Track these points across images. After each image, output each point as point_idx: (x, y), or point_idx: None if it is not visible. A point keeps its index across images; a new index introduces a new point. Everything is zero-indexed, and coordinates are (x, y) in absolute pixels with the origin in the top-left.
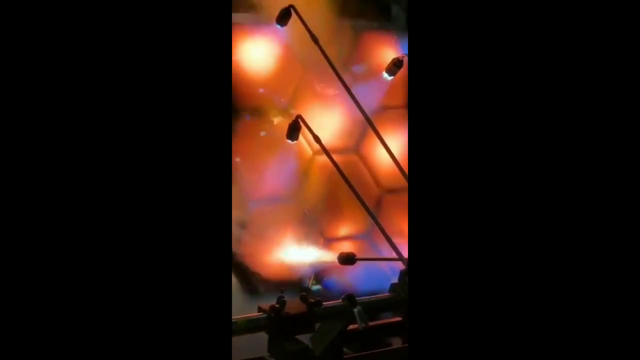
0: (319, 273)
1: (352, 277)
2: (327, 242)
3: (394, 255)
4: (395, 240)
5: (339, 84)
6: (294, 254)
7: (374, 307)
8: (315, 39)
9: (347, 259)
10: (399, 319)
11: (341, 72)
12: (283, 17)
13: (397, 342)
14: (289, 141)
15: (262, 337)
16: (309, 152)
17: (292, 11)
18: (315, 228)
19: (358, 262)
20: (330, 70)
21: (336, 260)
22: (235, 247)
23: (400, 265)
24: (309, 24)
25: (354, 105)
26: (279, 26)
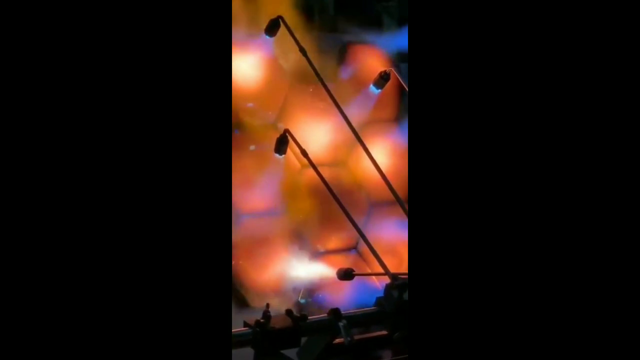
0: (309, 287)
1: (342, 291)
2: (317, 255)
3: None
4: (385, 253)
5: (327, 96)
6: (283, 267)
7: (360, 321)
8: (303, 51)
9: (345, 274)
10: (384, 332)
11: (328, 86)
12: (272, 28)
13: (383, 356)
14: (277, 155)
15: (248, 352)
16: (298, 165)
17: (281, 22)
18: (305, 241)
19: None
20: (318, 82)
21: (327, 274)
22: None
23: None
24: (297, 36)
25: (343, 118)
26: (267, 37)
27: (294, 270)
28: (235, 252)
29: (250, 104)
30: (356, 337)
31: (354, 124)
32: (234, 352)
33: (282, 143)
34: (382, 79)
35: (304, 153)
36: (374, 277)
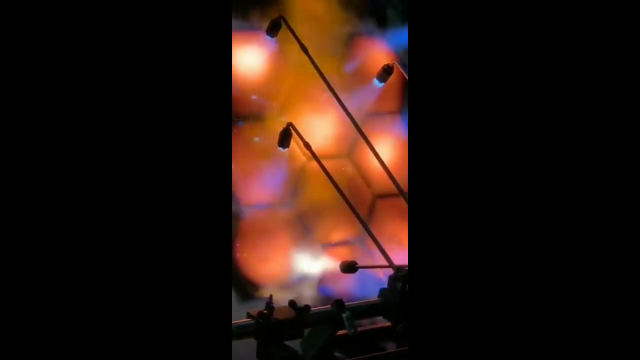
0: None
1: (345, 283)
2: (321, 247)
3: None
4: (389, 245)
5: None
6: (288, 259)
7: (363, 313)
8: (304, 49)
9: (349, 267)
10: (388, 324)
11: (332, 79)
12: (273, 28)
13: (386, 347)
14: (280, 149)
15: (251, 342)
16: (303, 157)
17: (282, 22)
18: (309, 233)
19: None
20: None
21: (331, 266)
22: None
23: None
24: (301, 30)
25: (344, 111)
26: (269, 37)
27: (298, 262)
28: (239, 244)
29: (254, 96)
30: (360, 328)
31: (358, 117)
32: (238, 343)
33: (286, 137)
34: (385, 73)
35: (307, 146)
36: (377, 269)
